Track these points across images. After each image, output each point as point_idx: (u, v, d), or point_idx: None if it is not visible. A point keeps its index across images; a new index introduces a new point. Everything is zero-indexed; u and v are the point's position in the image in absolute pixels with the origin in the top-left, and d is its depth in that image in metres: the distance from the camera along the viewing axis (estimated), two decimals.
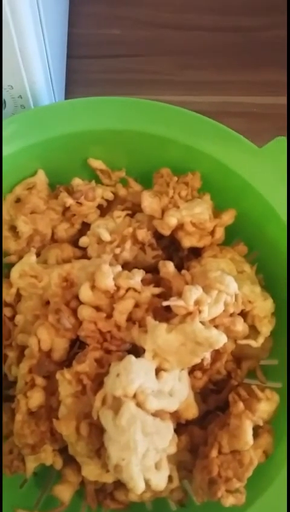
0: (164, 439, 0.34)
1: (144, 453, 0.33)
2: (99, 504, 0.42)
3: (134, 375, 0.33)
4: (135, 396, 0.33)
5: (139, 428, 0.33)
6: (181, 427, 0.39)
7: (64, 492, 0.40)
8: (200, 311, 0.35)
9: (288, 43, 0.61)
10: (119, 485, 0.41)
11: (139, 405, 0.33)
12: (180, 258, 0.45)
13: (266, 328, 0.40)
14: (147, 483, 0.33)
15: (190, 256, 0.45)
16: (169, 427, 0.35)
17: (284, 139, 0.42)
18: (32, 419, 0.39)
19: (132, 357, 0.35)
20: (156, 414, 0.35)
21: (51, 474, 0.43)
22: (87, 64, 0.63)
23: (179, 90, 0.62)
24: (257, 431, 0.37)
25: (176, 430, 0.37)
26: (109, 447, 0.33)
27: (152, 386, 0.35)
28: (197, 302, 0.35)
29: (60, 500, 0.40)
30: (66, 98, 0.59)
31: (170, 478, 0.38)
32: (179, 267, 0.41)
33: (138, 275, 0.39)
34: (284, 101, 0.61)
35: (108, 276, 0.37)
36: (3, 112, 0.46)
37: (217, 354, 0.40)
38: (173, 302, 0.35)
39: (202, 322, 0.35)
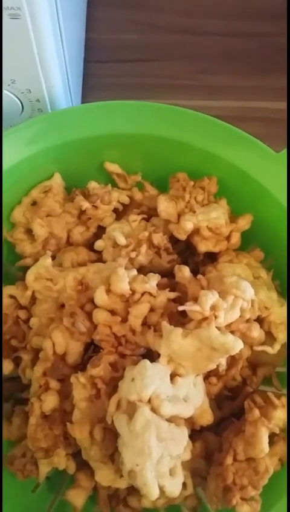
0: (179, 445, 0.34)
1: (158, 459, 0.33)
2: (112, 510, 0.42)
3: (149, 380, 0.33)
4: (149, 401, 0.33)
5: (154, 434, 0.32)
6: (196, 433, 0.39)
7: (77, 497, 0.40)
8: (216, 317, 0.35)
9: (288, 46, 0.61)
10: (133, 490, 0.41)
11: (153, 410, 0.33)
12: (196, 262, 0.45)
13: (282, 335, 0.40)
14: (161, 489, 0.33)
15: (206, 261, 0.45)
16: (184, 433, 0.35)
17: None
18: (45, 422, 0.39)
19: (147, 362, 0.35)
20: (170, 420, 0.34)
21: (64, 478, 0.43)
22: (104, 69, 0.63)
23: (195, 95, 0.62)
24: (272, 439, 0.37)
25: (190, 437, 0.37)
26: (123, 452, 0.33)
27: (167, 392, 0.34)
28: (213, 308, 0.35)
29: (73, 505, 0.40)
30: (82, 102, 0.59)
31: (184, 485, 0.37)
32: (194, 272, 0.40)
33: (154, 279, 0.38)
34: None
35: (123, 280, 0.37)
36: (21, 115, 0.46)
37: (232, 360, 0.39)
38: (188, 307, 0.35)
39: (217, 328, 0.35)
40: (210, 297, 0.35)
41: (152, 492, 0.32)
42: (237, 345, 0.34)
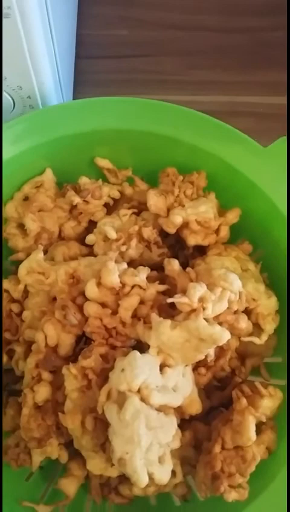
0: (168, 434, 0.35)
1: (147, 447, 0.34)
2: (103, 498, 0.43)
3: (139, 371, 0.34)
4: (139, 391, 0.34)
5: (143, 423, 0.33)
6: (185, 423, 0.40)
7: (70, 486, 0.41)
8: (204, 308, 0.36)
9: (288, 43, 0.62)
10: (124, 479, 0.41)
11: (143, 400, 0.34)
12: (186, 256, 0.46)
13: (269, 326, 0.41)
14: (151, 477, 0.34)
15: (195, 255, 0.45)
16: (173, 421, 0.36)
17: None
18: (38, 413, 0.40)
19: (136, 353, 0.35)
20: (160, 409, 0.35)
21: (56, 468, 0.44)
22: (95, 65, 0.64)
23: (187, 90, 0.63)
24: (260, 427, 0.38)
25: (180, 426, 0.38)
26: (113, 441, 0.34)
27: (156, 382, 0.35)
28: (201, 299, 0.36)
29: (65, 493, 0.41)
30: (74, 98, 0.60)
31: (174, 473, 0.38)
32: (184, 266, 0.41)
33: (143, 272, 0.39)
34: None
35: (114, 273, 0.38)
36: (12, 112, 0.47)
37: (221, 351, 0.40)
38: (177, 298, 0.36)
39: (206, 319, 0.36)
40: (198, 290, 0.36)
41: (141, 480, 0.33)
42: (224, 336, 0.35)
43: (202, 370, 0.40)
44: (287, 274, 0.42)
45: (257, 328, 0.41)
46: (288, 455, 0.37)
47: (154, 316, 0.37)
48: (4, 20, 0.37)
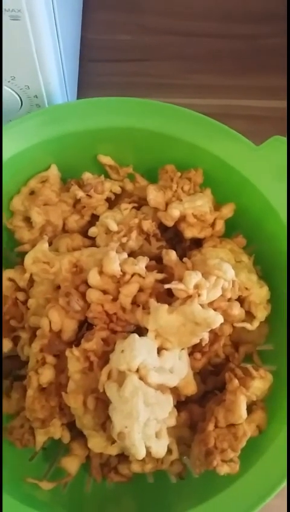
0: (164, 410, 0.37)
1: (145, 422, 0.36)
2: (103, 477, 0.44)
3: (137, 352, 0.36)
4: (138, 371, 0.36)
5: (142, 399, 0.35)
6: (181, 404, 0.42)
7: (71, 464, 0.43)
8: (199, 295, 0.38)
9: (288, 48, 0.64)
10: (123, 459, 0.44)
11: (141, 378, 0.36)
12: (183, 249, 0.48)
13: (261, 313, 0.43)
14: (148, 450, 0.36)
15: (192, 247, 0.47)
16: (169, 399, 0.38)
17: (281, 138, 0.45)
18: (42, 395, 0.42)
19: (135, 336, 0.38)
20: (157, 388, 0.37)
21: (59, 449, 0.46)
22: (99, 68, 0.66)
23: (185, 94, 0.65)
24: (251, 408, 0.40)
25: (176, 408, 0.40)
26: (113, 416, 0.36)
27: (154, 363, 0.37)
28: (197, 286, 0.38)
29: (67, 471, 0.43)
30: (77, 99, 0.62)
31: (170, 451, 0.40)
32: (181, 258, 0.43)
33: (143, 262, 0.41)
34: (284, 104, 0.64)
35: (115, 261, 0.40)
36: (20, 111, 0.49)
37: (215, 337, 0.42)
38: (174, 285, 0.38)
39: (200, 305, 0.38)
40: (194, 277, 0.38)
41: (139, 452, 0.35)
42: (217, 319, 0.37)
43: (198, 355, 0.42)
44: (287, 267, 0.44)
45: (250, 316, 0.44)
46: (288, 436, 0.39)
47: (153, 302, 0.39)
48: (14, 23, 0.39)
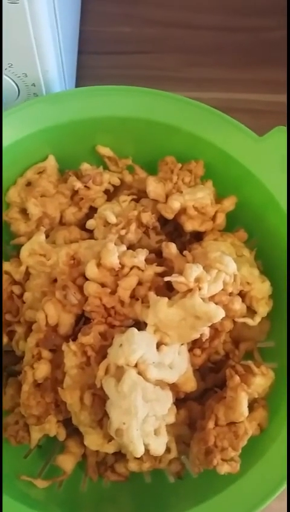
0: (163, 407, 0.36)
1: (143, 419, 0.35)
2: (100, 476, 0.43)
3: (136, 346, 0.35)
4: (136, 365, 0.35)
5: (140, 395, 0.34)
6: (180, 402, 0.41)
7: (67, 462, 0.42)
8: (200, 288, 0.37)
9: (288, 42, 0.63)
10: (120, 457, 0.43)
11: (140, 374, 0.35)
12: (183, 243, 0.47)
13: (262, 309, 0.42)
14: (146, 447, 0.35)
15: (193, 241, 0.47)
16: (168, 395, 0.37)
17: (284, 128, 0.44)
18: (38, 391, 0.41)
19: (134, 329, 0.37)
20: (156, 384, 0.36)
21: (54, 447, 0.45)
22: (98, 60, 0.65)
23: (186, 87, 0.64)
24: (252, 406, 0.39)
25: (175, 405, 0.39)
26: (110, 412, 0.35)
27: (153, 358, 0.36)
28: (197, 280, 0.37)
29: (63, 469, 0.42)
30: None
31: (168, 449, 0.40)
32: (181, 252, 0.42)
33: (142, 254, 0.40)
34: (286, 98, 0.63)
35: (113, 253, 0.39)
36: (17, 99, 0.48)
37: (215, 332, 0.41)
38: (174, 278, 0.37)
39: (201, 299, 0.37)
40: (195, 270, 0.37)
41: (137, 449, 0.34)
42: (218, 313, 0.36)
43: (197, 351, 0.41)
44: (287, 262, 0.43)
45: (251, 312, 0.43)
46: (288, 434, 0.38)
47: (152, 295, 0.38)
48: (12, 6, 0.38)
